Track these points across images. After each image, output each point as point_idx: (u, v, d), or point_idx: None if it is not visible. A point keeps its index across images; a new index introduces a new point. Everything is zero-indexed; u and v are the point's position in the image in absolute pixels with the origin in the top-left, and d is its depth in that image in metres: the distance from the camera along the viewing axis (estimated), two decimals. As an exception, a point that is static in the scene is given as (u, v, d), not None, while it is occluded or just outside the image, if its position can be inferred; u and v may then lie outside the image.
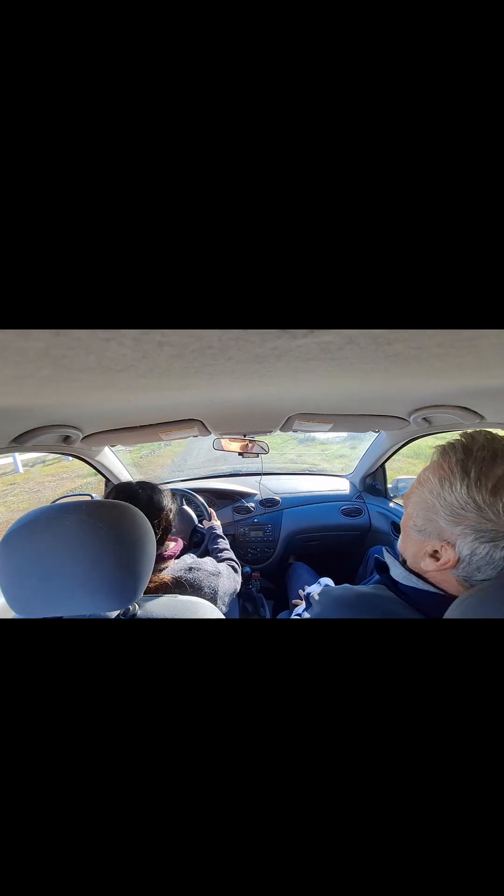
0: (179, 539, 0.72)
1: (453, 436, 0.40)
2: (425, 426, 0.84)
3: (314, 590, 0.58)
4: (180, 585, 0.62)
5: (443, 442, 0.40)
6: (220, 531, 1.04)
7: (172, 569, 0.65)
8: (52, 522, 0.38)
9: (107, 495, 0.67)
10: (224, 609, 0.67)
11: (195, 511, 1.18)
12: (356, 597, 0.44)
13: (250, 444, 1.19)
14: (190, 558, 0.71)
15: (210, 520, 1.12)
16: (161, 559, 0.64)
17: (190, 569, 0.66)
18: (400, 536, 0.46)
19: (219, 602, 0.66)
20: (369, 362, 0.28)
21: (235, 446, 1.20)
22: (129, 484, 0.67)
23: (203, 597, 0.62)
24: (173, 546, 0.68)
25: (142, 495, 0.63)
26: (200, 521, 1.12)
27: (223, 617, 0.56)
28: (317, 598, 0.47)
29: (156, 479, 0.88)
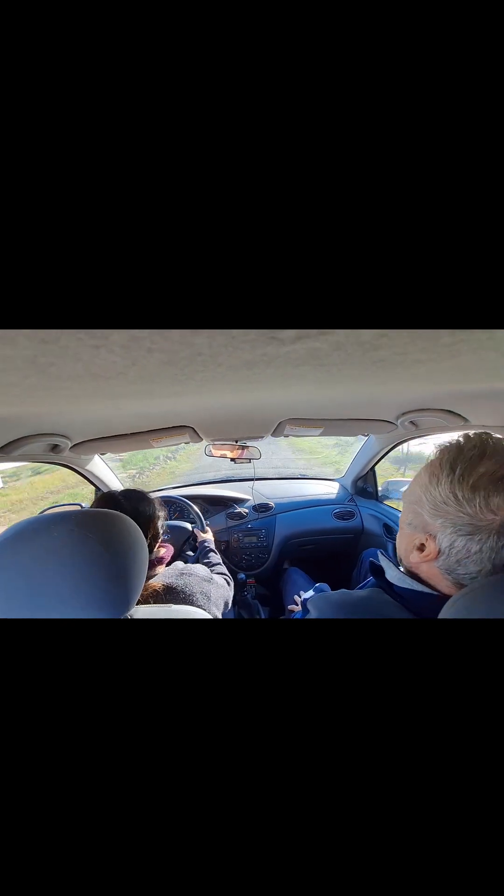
0: (169, 545, 0.72)
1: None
2: (412, 429, 0.87)
3: (310, 595, 0.58)
4: (171, 591, 0.61)
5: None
6: (212, 545, 1.03)
7: (163, 575, 0.64)
8: (39, 534, 0.37)
9: (93, 506, 0.65)
10: (217, 615, 0.66)
11: (188, 521, 1.16)
12: (352, 601, 0.44)
13: (242, 450, 1.19)
14: (181, 564, 0.70)
15: (203, 531, 1.11)
16: (151, 565, 0.63)
17: (181, 574, 0.65)
18: (398, 533, 0.47)
19: (212, 607, 0.65)
20: (356, 367, 0.28)
21: (227, 452, 1.20)
22: (112, 493, 0.66)
23: (195, 602, 0.61)
24: (163, 552, 0.68)
25: (126, 505, 0.61)
26: (193, 532, 1.11)
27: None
28: (313, 603, 0.47)
29: (146, 486, 0.87)
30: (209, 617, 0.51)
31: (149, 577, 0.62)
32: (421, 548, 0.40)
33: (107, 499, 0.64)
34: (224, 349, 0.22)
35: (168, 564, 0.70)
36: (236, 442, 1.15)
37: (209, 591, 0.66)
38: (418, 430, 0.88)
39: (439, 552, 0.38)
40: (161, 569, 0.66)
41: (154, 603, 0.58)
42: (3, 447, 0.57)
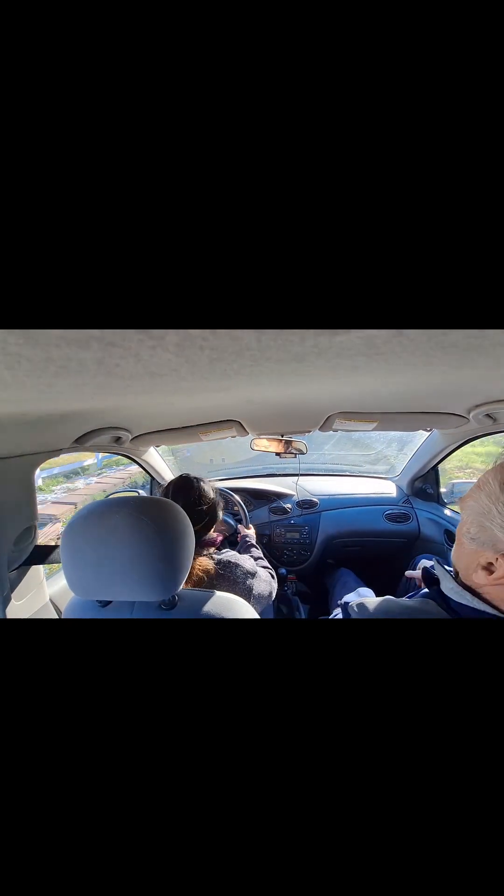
0: (220, 535, 0.77)
1: None
2: (489, 424, 0.74)
3: (352, 599, 0.55)
4: (218, 577, 0.65)
5: None
6: (253, 540, 1.05)
7: (213, 559, 0.69)
8: (105, 515, 0.42)
9: (166, 488, 0.74)
10: (258, 609, 0.68)
11: (232, 514, 1.20)
12: (397, 609, 0.40)
13: (288, 445, 1.18)
14: (231, 553, 0.73)
15: (247, 527, 1.13)
16: (205, 544, 0.69)
17: (228, 563, 0.69)
18: (454, 545, 0.41)
19: (252, 601, 0.67)
20: (421, 355, 0.25)
21: (273, 447, 1.19)
22: (185, 476, 0.75)
23: (238, 592, 0.64)
24: (215, 536, 0.73)
25: (195, 485, 0.71)
26: (237, 528, 1.14)
27: (258, 617, 0.56)
28: (355, 608, 0.45)
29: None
30: (251, 609, 0.52)
31: (200, 554, 0.67)
32: (488, 567, 0.34)
33: (179, 481, 0.73)
34: (273, 343, 0.21)
35: (219, 549, 0.75)
36: (282, 436, 1.14)
37: (251, 585, 0.69)
38: (496, 426, 0.76)
39: None
40: (212, 550, 0.71)
41: (203, 585, 0.63)
42: (77, 439, 0.66)
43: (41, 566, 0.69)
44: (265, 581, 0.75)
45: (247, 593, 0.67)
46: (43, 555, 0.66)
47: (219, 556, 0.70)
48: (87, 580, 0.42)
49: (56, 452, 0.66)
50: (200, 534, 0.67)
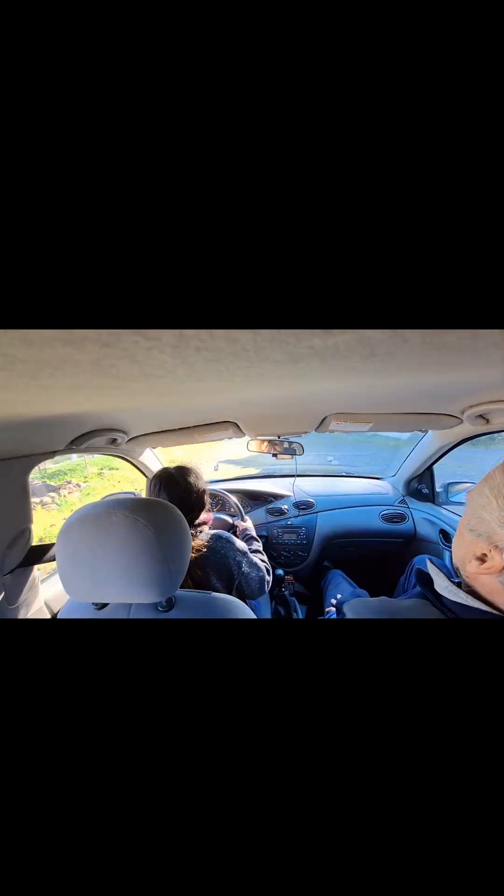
0: (211, 514, 0.80)
1: None
2: (482, 424, 0.75)
3: (347, 599, 0.56)
4: (210, 549, 0.69)
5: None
6: (253, 532, 1.06)
7: (205, 534, 0.72)
8: (101, 517, 0.42)
9: (151, 483, 0.76)
10: (248, 592, 0.73)
11: (228, 513, 1.20)
12: (392, 609, 0.41)
13: (284, 446, 1.18)
14: (225, 533, 0.76)
15: (243, 520, 1.14)
16: (195, 527, 0.72)
17: (220, 537, 0.72)
18: (455, 537, 0.42)
19: (244, 580, 0.71)
20: (416, 356, 0.25)
21: (269, 448, 1.19)
22: (167, 469, 0.76)
23: (228, 566, 0.68)
24: (205, 516, 0.76)
25: (179, 478, 0.73)
26: (234, 524, 1.14)
27: (255, 617, 0.56)
28: (350, 606, 0.45)
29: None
30: (248, 609, 0.52)
31: (194, 537, 0.70)
32: (482, 558, 0.35)
33: (163, 474, 0.74)
34: (269, 344, 0.21)
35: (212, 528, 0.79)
36: (279, 437, 1.14)
37: (241, 562, 0.72)
38: (489, 426, 0.77)
39: None
40: (205, 528, 0.74)
41: (193, 585, 0.64)
42: (73, 441, 0.65)
43: (36, 571, 0.68)
44: (255, 565, 0.77)
45: (237, 568, 0.70)
46: (38, 555, 0.66)
47: (210, 533, 0.73)
48: (83, 583, 0.42)
49: (51, 454, 0.65)
50: (192, 520, 0.71)
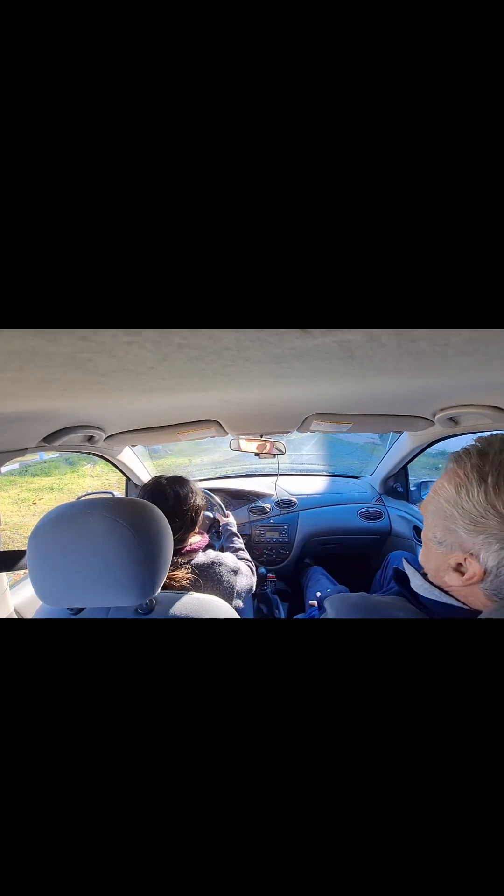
0: (205, 533, 0.74)
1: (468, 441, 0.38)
2: (451, 426, 0.80)
3: (329, 595, 0.57)
4: (202, 579, 0.64)
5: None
6: (234, 528, 1.06)
7: (196, 562, 0.67)
8: (76, 517, 0.40)
9: (138, 493, 0.69)
10: (240, 604, 0.69)
11: (209, 511, 1.19)
12: (371, 605, 0.42)
13: (267, 445, 1.19)
14: (213, 553, 0.72)
15: (225, 516, 1.13)
16: (186, 553, 0.66)
17: (212, 563, 0.68)
18: (420, 549, 0.44)
19: (235, 598, 0.67)
20: (392, 360, 0.27)
21: (252, 447, 1.20)
22: (158, 480, 0.69)
23: (222, 591, 0.63)
24: (199, 540, 0.70)
25: (169, 492, 0.66)
26: (216, 518, 1.14)
27: (237, 616, 0.56)
28: (330, 602, 0.46)
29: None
30: (230, 608, 0.52)
31: (182, 566, 0.64)
32: (458, 568, 0.36)
33: (152, 485, 0.68)
34: (252, 344, 0.21)
35: (203, 551, 0.73)
36: (262, 436, 1.15)
37: (235, 582, 0.68)
38: (458, 428, 0.82)
39: (486, 573, 0.34)
40: (197, 555, 0.68)
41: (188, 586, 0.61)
42: (45, 437, 0.62)
43: (3, 575, 0.64)
44: (246, 576, 0.76)
45: (230, 589, 0.67)
46: (8, 561, 0.62)
47: (202, 558, 0.68)
48: (57, 588, 0.40)
49: (21, 452, 0.61)
50: (179, 542, 0.63)
